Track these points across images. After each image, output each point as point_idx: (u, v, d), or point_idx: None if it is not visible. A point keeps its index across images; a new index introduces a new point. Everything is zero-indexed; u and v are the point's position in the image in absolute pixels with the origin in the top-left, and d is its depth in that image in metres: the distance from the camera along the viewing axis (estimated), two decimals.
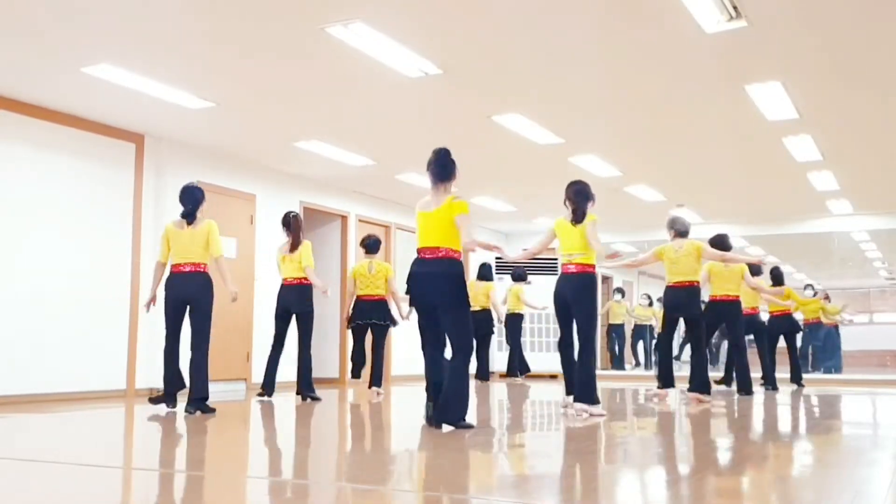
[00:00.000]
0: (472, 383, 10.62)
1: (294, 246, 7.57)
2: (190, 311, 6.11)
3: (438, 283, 4.95)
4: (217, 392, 8.10)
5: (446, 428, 4.86)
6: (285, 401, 7.56)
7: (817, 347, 13.38)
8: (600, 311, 14.79)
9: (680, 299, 7.48)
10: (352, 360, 8.33)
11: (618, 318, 15.20)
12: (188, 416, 5.85)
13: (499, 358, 13.34)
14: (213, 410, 6.11)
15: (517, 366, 11.59)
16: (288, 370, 8.09)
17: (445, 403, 4.89)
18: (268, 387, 7.59)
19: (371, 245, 8.19)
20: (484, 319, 10.66)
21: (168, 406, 6.20)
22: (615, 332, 15.28)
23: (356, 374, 8.29)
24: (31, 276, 7.29)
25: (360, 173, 10.02)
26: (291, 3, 5.26)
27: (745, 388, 8.46)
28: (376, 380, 7.99)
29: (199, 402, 6.04)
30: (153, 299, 6.33)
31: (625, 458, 4.02)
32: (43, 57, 6.24)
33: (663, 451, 4.23)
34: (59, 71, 6.53)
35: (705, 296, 8.40)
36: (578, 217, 5.91)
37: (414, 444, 4.60)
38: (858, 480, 3.37)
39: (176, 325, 6.13)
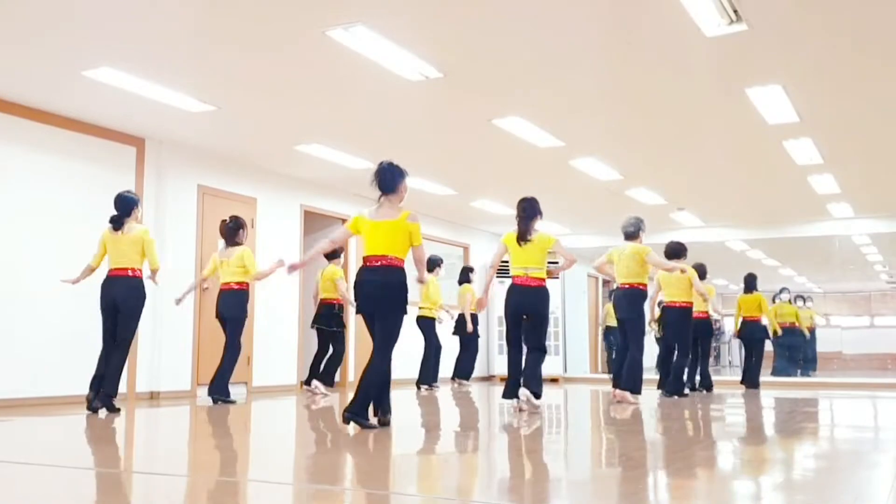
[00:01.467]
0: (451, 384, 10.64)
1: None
2: (118, 314, 6.41)
3: (378, 291, 5.04)
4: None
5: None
6: (284, 404, 7.57)
7: (790, 349, 13.37)
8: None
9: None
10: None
11: (612, 319, 15.14)
12: (91, 416, 6.09)
13: (500, 361, 13.34)
14: (118, 410, 6.33)
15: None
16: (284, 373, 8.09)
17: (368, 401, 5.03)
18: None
19: (329, 253, 8.47)
20: (475, 323, 10.78)
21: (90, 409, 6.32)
22: (612, 335, 15.19)
23: (328, 382, 8.67)
24: (30, 280, 7.29)
25: (360, 176, 9.98)
26: (292, 7, 5.27)
27: (671, 389, 8.65)
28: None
29: (106, 398, 6.29)
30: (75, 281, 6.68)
31: (626, 462, 4.02)
32: (44, 60, 6.25)
33: (653, 455, 4.22)
34: (60, 74, 6.54)
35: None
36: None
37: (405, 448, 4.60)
38: (859, 483, 3.36)
39: (110, 328, 6.44)
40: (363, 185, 10.57)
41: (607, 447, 4.72)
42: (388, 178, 5.17)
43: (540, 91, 7.02)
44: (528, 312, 6.42)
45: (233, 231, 7.65)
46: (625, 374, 7.47)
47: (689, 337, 8.78)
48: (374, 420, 5.06)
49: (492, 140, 8.40)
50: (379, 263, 5.03)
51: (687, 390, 8.90)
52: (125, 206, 6.56)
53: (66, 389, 7.43)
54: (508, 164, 9.50)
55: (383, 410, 5.13)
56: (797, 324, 13.24)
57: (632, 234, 7.65)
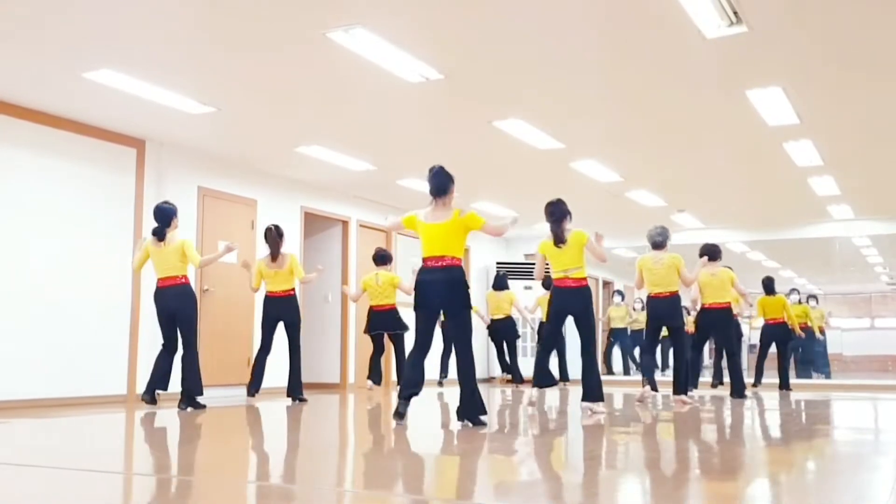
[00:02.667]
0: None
1: (277, 257, 7.90)
2: (176, 321, 6.94)
3: (443, 290, 5.32)
4: (218, 397, 8.13)
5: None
6: (279, 405, 7.57)
7: (798, 351, 13.39)
8: (601, 316, 14.86)
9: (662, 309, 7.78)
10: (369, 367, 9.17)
11: (617, 322, 15.05)
12: (181, 413, 6.51)
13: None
14: (203, 406, 6.94)
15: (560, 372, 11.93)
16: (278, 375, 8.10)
17: (466, 403, 5.32)
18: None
19: (379, 258, 9.00)
20: (510, 327, 10.80)
21: (147, 402, 6.92)
22: (614, 336, 15.14)
23: (376, 381, 8.83)
24: (31, 282, 7.29)
25: (361, 178, 10.03)
26: (293, 9, 5.27)
27: (739, 392, 8.78)
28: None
29: (190, 399, 6.91)
30: None
31: (627, 464, 4.02)
32: (44, 62, 6.25)
33: (658, 456, 4.22)
34: (60, 76, 6.54)
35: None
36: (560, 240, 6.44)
37: (423, 449, 4.60)
38: (859, 485, 3.36)
39: (168, 334, 7.01)
40: (363, 186, 10.66)
41: (616, 449, 4.72)
42: (441, 182, 5.43)
43: (540, 93, 7.02)
44: (571, 313, 6.52)
45: (277, 239, 7.89)
46: (681, 378, 7.75)
47: (733, 336, 8.99)
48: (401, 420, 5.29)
49: (492, 142, 8.40)
50: (439, 264, 5.31)
51: (693, 391, 8.98)
52: (165, 217, 6.93)
53: (65, 391, 7.44)
54: (509, 166, 9.51)
55: (478, 409, 5.32)
56: (809, 324, 13.21)
57: (661, 243, 7.77)
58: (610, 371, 15.21)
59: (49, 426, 5.92)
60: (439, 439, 5.01)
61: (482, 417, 5.31)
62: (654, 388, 7.81)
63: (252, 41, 5.86)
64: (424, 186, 5.64)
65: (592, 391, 6.43)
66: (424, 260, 5.39)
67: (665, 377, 8.99)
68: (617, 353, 15.36)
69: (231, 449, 4.77)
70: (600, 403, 6.42)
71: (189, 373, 6.93)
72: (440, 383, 10.82)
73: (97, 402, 7.54)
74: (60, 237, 7.55)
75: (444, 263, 5.29)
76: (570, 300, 6.43)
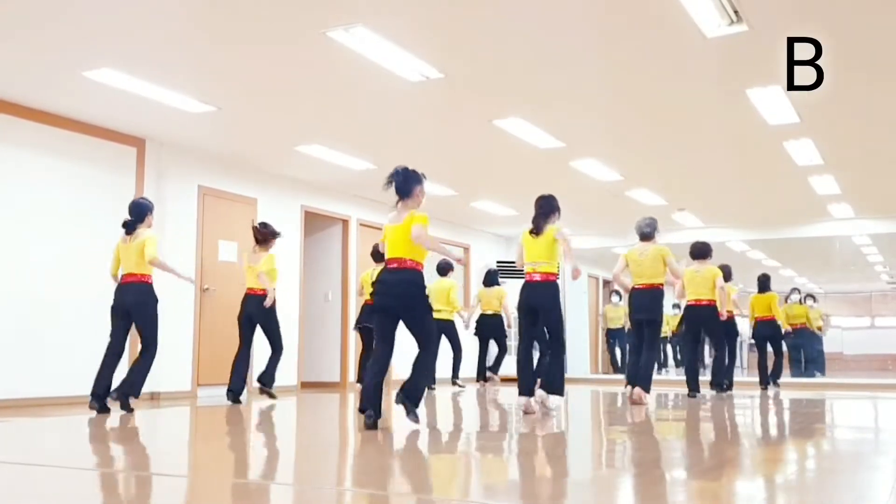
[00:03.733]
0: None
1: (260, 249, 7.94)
2: (133, 320, 6.58)
3: (401, 293, 5.21)
4: (217, 396, 8.12)
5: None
6: (277, 403, 7.58)
7: (799, 351, 13.38)
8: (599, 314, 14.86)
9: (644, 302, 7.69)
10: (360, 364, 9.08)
11: (615, 322, 15.04)
12: (97, 413, 6.31)
13: (506, 362, 13.28)
14: (131, 410, 6.45)
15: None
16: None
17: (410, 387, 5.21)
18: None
19: (376, 254, 8.87)
20: (499, 324, 10.77)
21: (94, 409, 6.39)
22: (613, 336, 15.13)
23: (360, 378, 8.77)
24: (30, 281, 7.29)
25: (361, 177, 10.02)
26: (292, 7, 5.27)
27: (727, 384, 8.98)
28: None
29: (124, 397, 6.45)
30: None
31: (630, 463, 4.02)
32: (44, 61, 6.25)
33: (658, 455, 4.22)
34: (60, 75, 6.54)
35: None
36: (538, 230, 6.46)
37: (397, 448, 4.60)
38: (860, 485, 3.36)
39: (116, 334, 6.61)
40: (364, 185, 10.66)
41: (615, 448, 4.72)
42: (401, 183, 5.36)
43: (540, 92, 7.02)
44: (536, 307, 6.45)
45: (263, 238, 7.88)
46: (642, 374, 7.56)
47: (720, 332, 8.97)
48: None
49: (492, 141, 8.40)
50: (396, 265, 5.24)
51: (723, 387, 9.05)
52: (139, 212, 6.75)
53: (65, 390, 7.43)
54: (509, 164, 9.51)
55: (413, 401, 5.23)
56: (807, 324, 13.21)
57: (648, 234, 7.73)
58: (616, 370, 15.20)
59: (49, 426, 5.92)
60: (432, 438, 5.01)
61: (415, 411, 5.18)
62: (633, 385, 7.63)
63: (252, 40, 5.86)
64: (424, 185, 5.64)
65: (552, 384, 6.43)
66: (386, 261, 5.33)
67: (678, 376, 8.99)
68: (619, 352, 15.37)
69: (228, 448, 4.77)
70: (556, 397, 6.44)
71: (137, 375, 6.52)
72: (454, 383, 10.80)
73: None
74: (60, 237, 7.55)
75: (404, 266, 5.21)
76: (534, 294, 6.40)
